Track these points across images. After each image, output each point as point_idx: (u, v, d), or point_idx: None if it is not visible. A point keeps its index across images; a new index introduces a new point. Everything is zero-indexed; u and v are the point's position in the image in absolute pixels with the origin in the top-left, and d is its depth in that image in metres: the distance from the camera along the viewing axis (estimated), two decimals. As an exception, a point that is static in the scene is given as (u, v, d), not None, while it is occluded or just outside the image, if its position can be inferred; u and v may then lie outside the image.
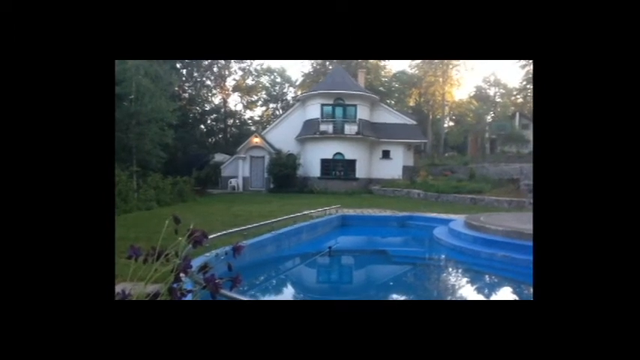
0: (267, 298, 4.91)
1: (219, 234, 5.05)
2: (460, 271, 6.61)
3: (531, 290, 5.47)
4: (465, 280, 6.22)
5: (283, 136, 23.36)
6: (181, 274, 1.16)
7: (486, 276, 6.13)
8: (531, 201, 13.29)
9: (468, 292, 5.52)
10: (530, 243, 5.58)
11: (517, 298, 5.32)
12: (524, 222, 7.82)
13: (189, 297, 1.33)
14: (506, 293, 5.57)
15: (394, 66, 43.91)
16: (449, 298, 5.21)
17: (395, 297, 5.27)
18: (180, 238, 1.14)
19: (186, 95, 33.75)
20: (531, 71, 39.40)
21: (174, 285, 1.20)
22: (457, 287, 5.78)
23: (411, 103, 43.76)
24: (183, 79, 32.84)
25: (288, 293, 5.36)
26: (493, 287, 5.84)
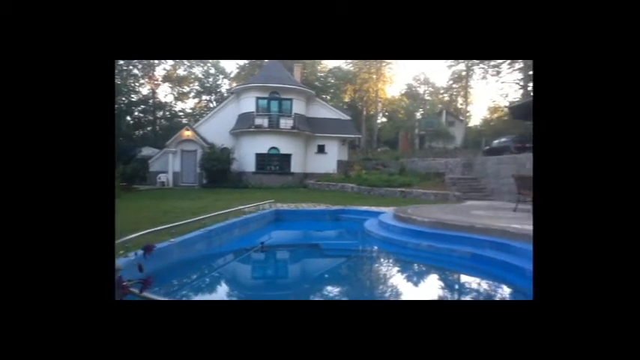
0: (198, 297, 4.72)
1: (143, 232, 4.75)
2: (390, 261, 6.86)
3: (455, 276, 5.87)
4: (395, 270, 6.46)
5: (217, 129, 22.68)
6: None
7: (415, 265, 6.41)
8: (455, 193, 14.19)
9: (397, 281, 5.74)
10: (452, 232, 5.88)
11: (442, 285, 5.62)
12: (447, 213, 8.31)
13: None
14: (432, 280, 5.87)
15: (330, 61, 44.42)
16: (380, 288, 5.37)
17: (330, 289, 5.32)
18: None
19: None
20: (457, 71, 42.01)
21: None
22: (388, 277, 5.98)
23: (346, 99, 44.62)
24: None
25: (221, 291, 5.20)
26: (421, 275, 6.13)
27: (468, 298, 5.00)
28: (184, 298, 4.52)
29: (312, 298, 4.82)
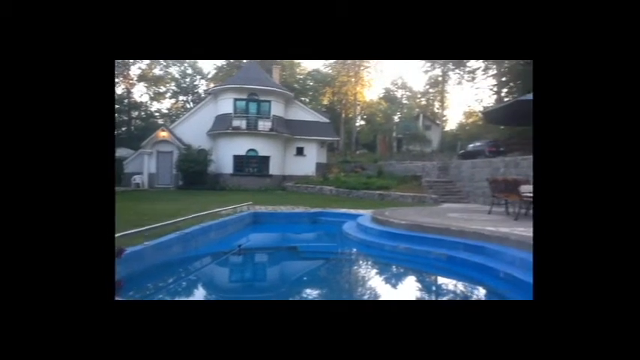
0: (176, 300, 4.62)
1: (117, 235, 4.62)
2: (368, 263, 6.90)
3: (431, 278, 5.95)
4: (373, 272, 6.50)
5: (194, 130, 22.33)
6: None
7: (392, 267, 6.47)
8: (432, 196, 14.41)
9: (375, 283, 5.77)
10: (428, 235, 5.94)
11: (419, 287, 5.69)
12: (424, 215, 8.43)
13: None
14: (410, 282, 5.93)
15: (309, 64, 44.50)
16: (359, 290, 5.39)
17: (308, 292, 5.30)
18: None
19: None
20: (433, 76, 42.74)
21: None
22: (366, 279, 6.01)
23: (325, 102, 44.73)
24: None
25: (198, 295, 5.10)
26: (399, 277, 6.18)
27: (444, 299, 5.08)
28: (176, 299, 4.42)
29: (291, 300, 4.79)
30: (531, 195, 7.77)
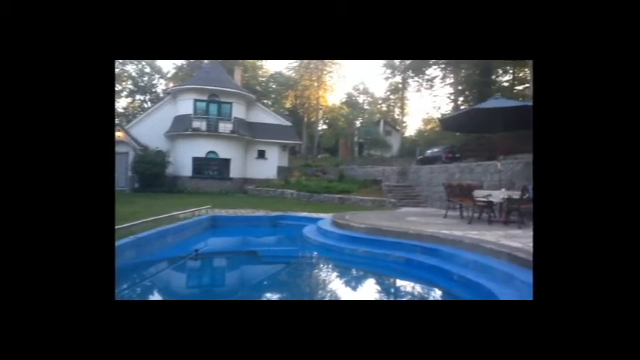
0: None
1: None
2: (328, 267, 6.93)
3: (391, 280, 6.06)
4: (333, 275, 6.53)
5: (151, 131, 21.59)
6: None
7: (353, 270, 6.53)
8: (391, 200, 14.72)
9: (336, 286, 5.80)
10: (387, 238, 6.04)
11: (379, 289, 5.78)
12: (383, 219, 8.59)
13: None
14: (370, 285, 6.01)
15: (271, 66, 44.29)
16: (320, 293, 5.39)
17: (268, 296, 5.24)
18: None
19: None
20: (394, 83, 43.76)
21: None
22: (326, 283, 6.03)
23: (288, 105, 44.68)
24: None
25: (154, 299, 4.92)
26: (358, 280, 6.25)
27: (406, 300, 5.18)
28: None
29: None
30: (484, 200, 8.12)
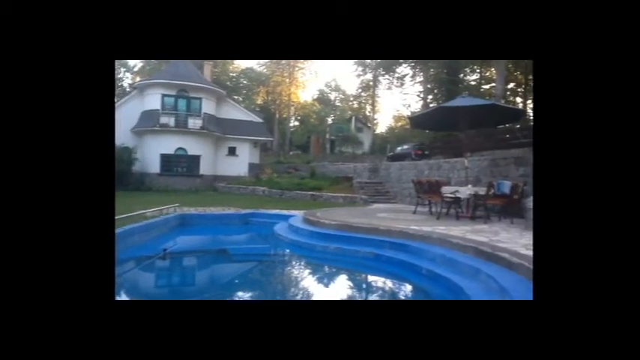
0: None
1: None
2: (300, 264, 6.93)
3: (362, 276, 6.13)
4: (305, 272, 6.54)
5: (117, 126, 20.70)
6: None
7: (324, 267, 6.56)
8: (362, 197, 14.86)
9: (308, 283, 5.81)
10: (358, 235, 6.09)
11: (351, 285, 5.83)
12: (354, 216, 8.67)
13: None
14: (342, 281, 6.06)
15: (242, 62, 43.69)
16: (292, 291, 5.39)
17: (241, 294, 5.19)
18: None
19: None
20: (365, 80, 44.10)
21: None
22: (298, 280, 6.03)
23: (259, 101, 44.25)
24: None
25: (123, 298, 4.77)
26: (330, 277, 6.28)
27: (373, 296, 5.25)
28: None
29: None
30: (452, 196, 8.33)
